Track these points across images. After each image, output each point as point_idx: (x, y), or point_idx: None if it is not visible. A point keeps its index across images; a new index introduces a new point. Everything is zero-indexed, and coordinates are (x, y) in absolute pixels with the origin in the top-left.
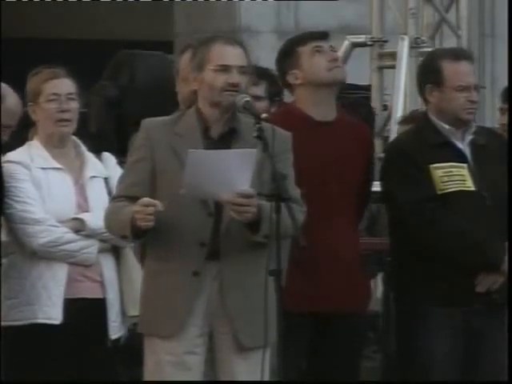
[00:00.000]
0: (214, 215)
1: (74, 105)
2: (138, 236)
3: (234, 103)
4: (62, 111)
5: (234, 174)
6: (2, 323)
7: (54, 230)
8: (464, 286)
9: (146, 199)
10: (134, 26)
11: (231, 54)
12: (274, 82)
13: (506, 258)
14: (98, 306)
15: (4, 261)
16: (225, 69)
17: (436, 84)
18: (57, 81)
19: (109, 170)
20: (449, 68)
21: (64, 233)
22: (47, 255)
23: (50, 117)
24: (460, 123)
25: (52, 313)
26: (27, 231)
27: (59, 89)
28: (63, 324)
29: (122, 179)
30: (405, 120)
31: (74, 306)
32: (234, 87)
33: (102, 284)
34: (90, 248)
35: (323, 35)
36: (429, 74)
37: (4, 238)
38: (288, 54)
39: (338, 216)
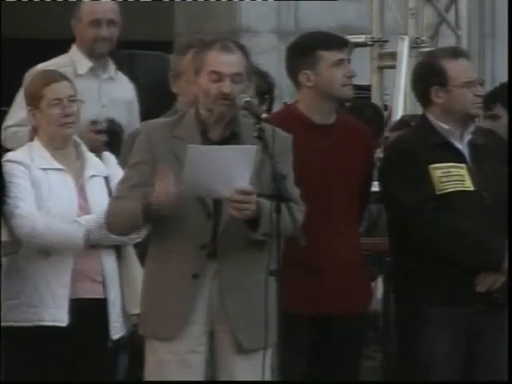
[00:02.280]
0: (213, 216)
1: (76, 107)
2: (149, 217)
3: (228, 110)
4: (66, 115)
5: (233, 170)
6: (2, 324)
7: (37, 222)
8: (464, 286)
9: (162, 168)
10: (134, 26)
11: (225, 62)
12: (264, 78)
13: (507, 257)
14: (99, 306)
15: (4, 260)
16: (218, 77)
17: (441, 84)
18: (57, 84)
19: (109, 170)
20: (451, 67)
21: (48, 224)
22: (35, 245)
23: (54, 122)
24: (468, 120)
25: (58, 314)
26: (23, 224)
27: (60, 93)
28: (67, 325)
29: (124, 180)
30: (395, 127)
31: (75, 307)
32: (226, 96)
33: (102, 284)
34: (78, 239)
35: (345, 43)
36: (432, 76)
37: (4, 237)
38: (307, 53)
39: (339, 217)
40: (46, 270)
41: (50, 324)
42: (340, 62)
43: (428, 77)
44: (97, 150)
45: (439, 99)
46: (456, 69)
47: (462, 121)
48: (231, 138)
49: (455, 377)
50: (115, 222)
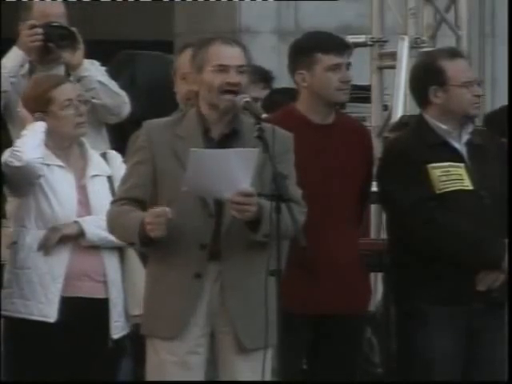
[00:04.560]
0: (215, 217)
1: (84, 108)
2: (146, 244)
3: (233, 105)
4: (79, 115)
5: (235, 172)
6: (1, 312)
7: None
8: (464, 285)
9: (157, 210)
10: (134, 26)
11: (229, 54)
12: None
13: (507, 256)
14: (99, 306)
15: (8, 252)
16: (223, 69)
17: (440, 84)
18: (64, 86)
19: (113, 169)
20: (450, 67)
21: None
22: (33, 169)
23: (70, 123)
24: (466, 120)
25: (47, 311)
26: (7, 159)
27: (70, 94)
28: (62, 322)
29: (123, 181)
30: (394, 127)
31: (73, 305)
32: (233, 87)
33: (104, 283)
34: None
35: (345, 47)
36: (430, 76)
37: (11, 227)
38: (305, 54)
39: (338, 217)
40: (41, 264)
41: (38, 319)
42: (337, 67)
43: (426, 77)
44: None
45: (438, 99)
46: (454, 69)
47: (461, 121)
48: (232, 135)
49: (455, 376)
50: (116, 230)
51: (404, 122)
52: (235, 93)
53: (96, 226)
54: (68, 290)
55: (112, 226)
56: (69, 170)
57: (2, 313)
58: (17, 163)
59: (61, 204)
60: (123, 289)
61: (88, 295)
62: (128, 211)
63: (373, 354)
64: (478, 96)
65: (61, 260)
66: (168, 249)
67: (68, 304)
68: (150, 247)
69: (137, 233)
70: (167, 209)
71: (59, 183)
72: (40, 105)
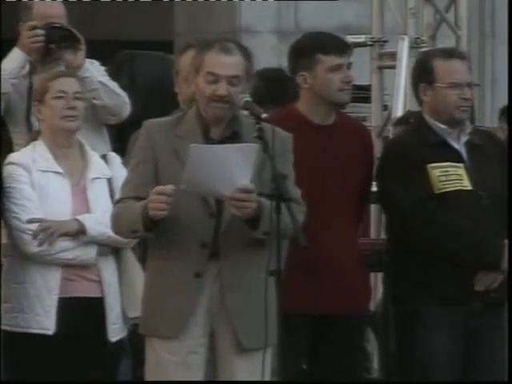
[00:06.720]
0: (216, 216)
1: (81, 104)
2: (149, 228)
3: (222, 114)
4: (69, 108)
5: (234, 168)
6: (1, 326)
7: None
8: (462, 285)
9: (160, 187)
10: (134, 26)
11: (223, 64)
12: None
13: (506, 256)
14: (95, 306)
15: (4, 261)
16: (214, 79)
17: (428, 83)
18: (64, 79)
19: (113, 171)
20: (440, 66)
21: (59, 241)
22: (42, 261)
23: (57, 113)
24: (454, 122)
25: (46, 323)
26: (22, 237)
27: (67, 87)
28: (60, 324)
29: (126, 181)
30: (399, 121)
31: (70, 306)
32: (222, 99)
33: (99, 284)
34: (87, 256)
35: (346, 47)
36: (422, 74)
37: (4, 240)
38: (305, 55)
39: (338, 218)
40: (36, 277)
41: (37, 332)
42: (338, 67)
43: (418, 74)
44: (30, 52)
45: (426, 97)
46: (445, 69)
47: (449, 123)
48: (232, 137)
49: (454, 376)
50: (119, 223)
51: (406, 117)
52: (225, 102)
53: (96, 223)
54: (64, 290)
55: (116, 221)
56: (65, 176)
57: (5, 328)
58: (32, 250)
59: (54, 212)
60: (120, 291)
61: (83, 294)
62: (132, 203)
63: (368, 361)
64: (466, 99)
65: (55, 271)
66: (168, 247)
67: (65, 305)
68: (153, 232)
69: (140, 216)
70: (171, 186)
71: (53, 190)
72: (39, 94)
